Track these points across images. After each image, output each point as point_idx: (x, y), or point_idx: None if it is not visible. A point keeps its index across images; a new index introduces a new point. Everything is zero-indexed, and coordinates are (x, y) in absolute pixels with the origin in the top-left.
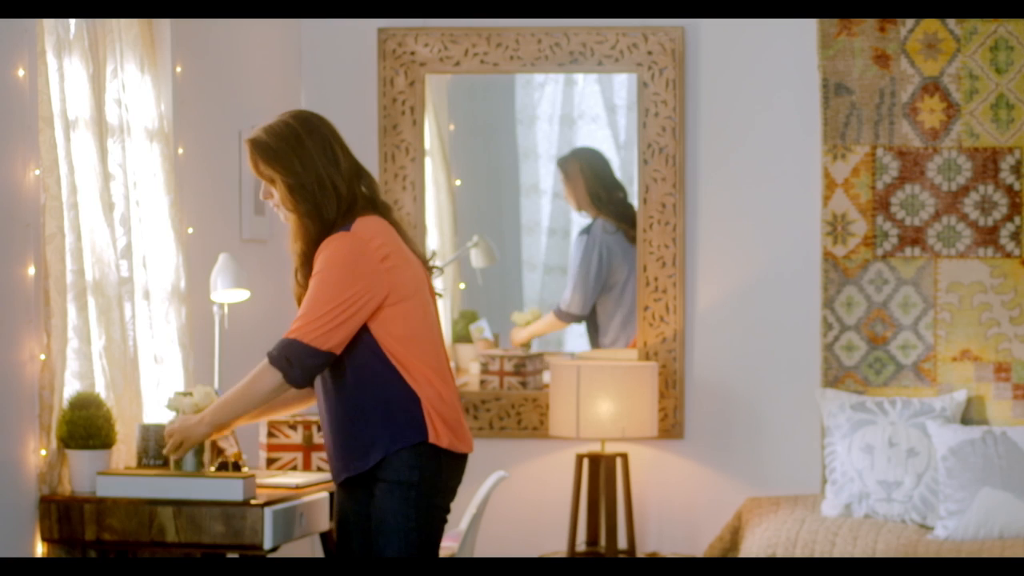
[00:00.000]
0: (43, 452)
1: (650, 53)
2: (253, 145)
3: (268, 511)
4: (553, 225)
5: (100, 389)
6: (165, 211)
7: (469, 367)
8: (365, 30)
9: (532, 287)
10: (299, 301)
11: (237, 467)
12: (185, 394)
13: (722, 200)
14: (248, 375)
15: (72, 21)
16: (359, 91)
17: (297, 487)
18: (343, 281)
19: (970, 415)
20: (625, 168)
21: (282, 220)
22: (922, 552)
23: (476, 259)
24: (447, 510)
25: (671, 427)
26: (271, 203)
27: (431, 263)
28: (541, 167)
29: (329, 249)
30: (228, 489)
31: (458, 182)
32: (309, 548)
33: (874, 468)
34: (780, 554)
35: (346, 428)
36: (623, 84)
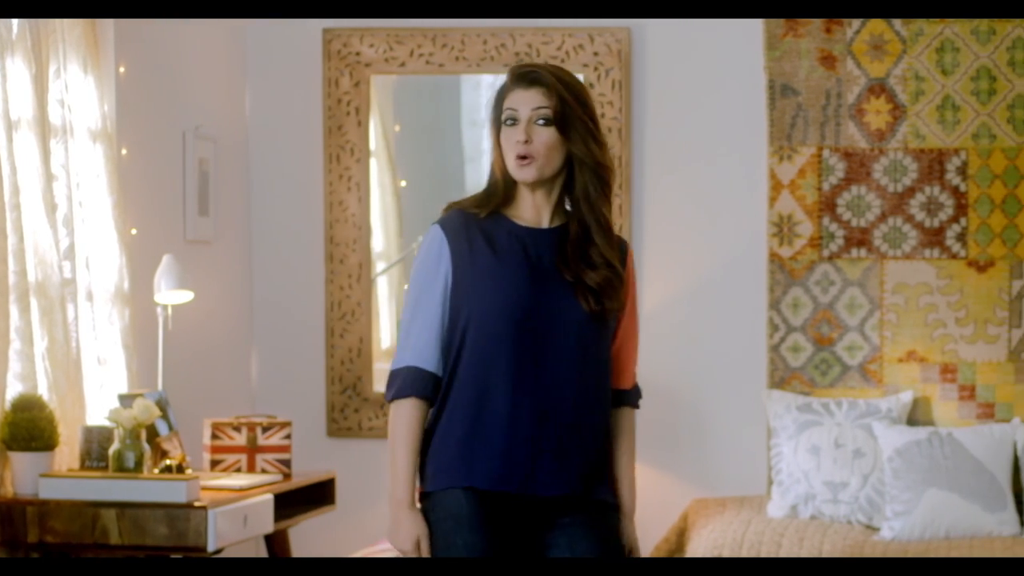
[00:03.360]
0: None
1: (596, 54)
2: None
3: (212, 513)
4: None
5: (43, 391)
6: (108, 212)
7: None
8: (310, 30)
9: None
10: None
11: (181, 469)
12: (129, 396)
13: (668, 201)
14: (630, 435)
15: (15, 21)
16: (304, 91)
17: (241, 489)
18: None
19: (916, 416)
20: None
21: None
22: (868, 553)
23: None
24: None
25: None
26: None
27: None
28: (484, 164)
29: (634, 273)
30: (171, 491)
31: (403, 183)
32: (253, 550)
33: (820, 469)
34: (726, 555)
35: (604, 447)
36: None
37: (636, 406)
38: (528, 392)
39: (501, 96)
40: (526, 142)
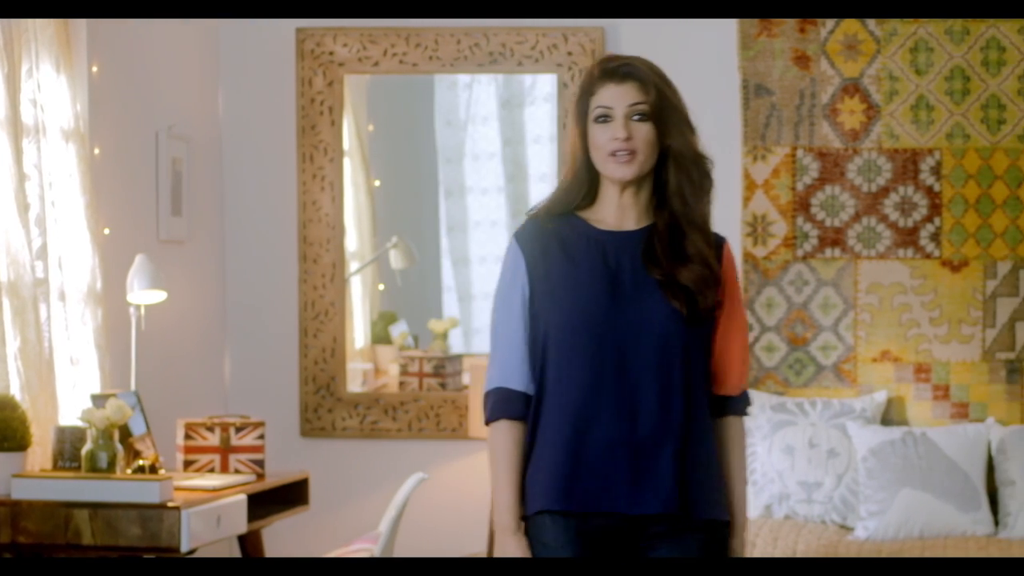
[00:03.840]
0: None
1: (570, 54)
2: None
3: (185, 513)
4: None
5: (15, 391)
6: (81, 212)
7: (388, 368)
8: (283, 30)
9: (451, 288)
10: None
11: (154, 469)
12: (102, 396)
13: None
14: (737, 446)
15: None
16: (277, 91)
17: (215, 489)
18: None
19: (890, 416)
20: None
21: (612, 168)
22: (842, 553)
23: (395, 260)
24: None
25: None
26: (621, 144)
27: None
28: (466, 166)
29: (735, 269)
30: (145, 491)
31: (377, 182)
32: (227, 550)
33: (794, 469)
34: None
35: (706, 459)
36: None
37: (743, 413)
38: (611, 406)
39: (588, 91)
40: (627, 139)
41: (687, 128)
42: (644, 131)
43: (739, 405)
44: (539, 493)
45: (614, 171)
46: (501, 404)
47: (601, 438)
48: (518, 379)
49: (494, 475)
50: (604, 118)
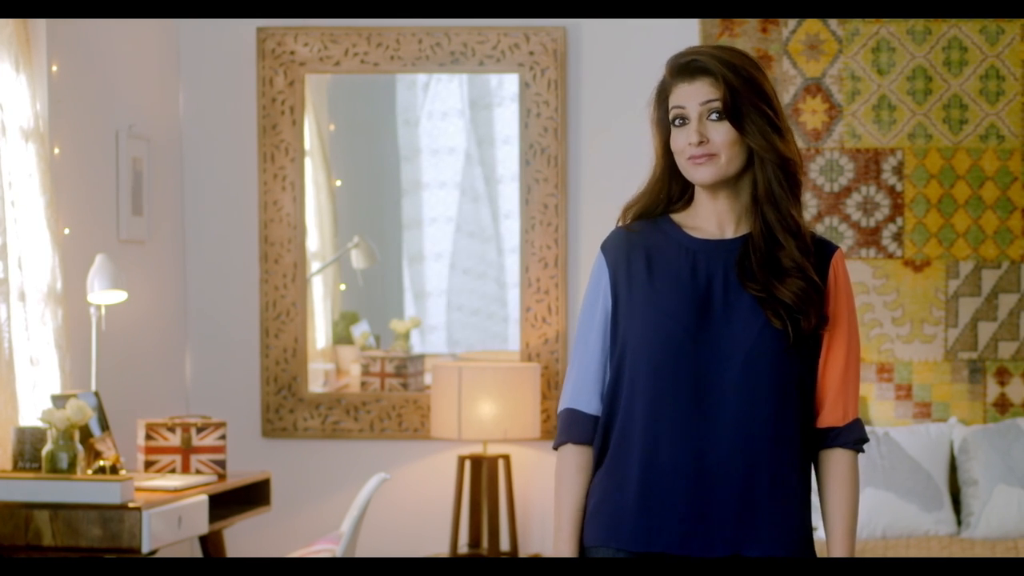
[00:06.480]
0: None
1: (532, 53)
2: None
3: (146, 514)
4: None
5: None
6: (41, 212)
7: (350, 369)
8: (244, 29)
9: (412, 287)
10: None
11: (115, 470)
12: (62, 396)
13: (604, 201)
14: (844, 482)
15: None
16: (238, 91)
17: (176, 490)
18: None
19: None
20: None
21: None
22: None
23: (356, 260)
24: None
25: (553, 428)
26: (695, 149)
27: None
28: (423, 161)
29: (847, 281)
30: (105, 492)
31: (338, 182)
32: (188, 551)
33: None
34: None
35: (802, 497)
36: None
37: (853, 448)
38: (681, 435)
39: (663, 93)
40: (700, 143)
41: (768, 127)
42: (722, 131)
43: (848, 436)
44: (593, 524)
45: (694, 175)
46: (568, 427)
47: (666, 469)
48: (589, 401)
49: (555, 504)
50: (680, 120)
